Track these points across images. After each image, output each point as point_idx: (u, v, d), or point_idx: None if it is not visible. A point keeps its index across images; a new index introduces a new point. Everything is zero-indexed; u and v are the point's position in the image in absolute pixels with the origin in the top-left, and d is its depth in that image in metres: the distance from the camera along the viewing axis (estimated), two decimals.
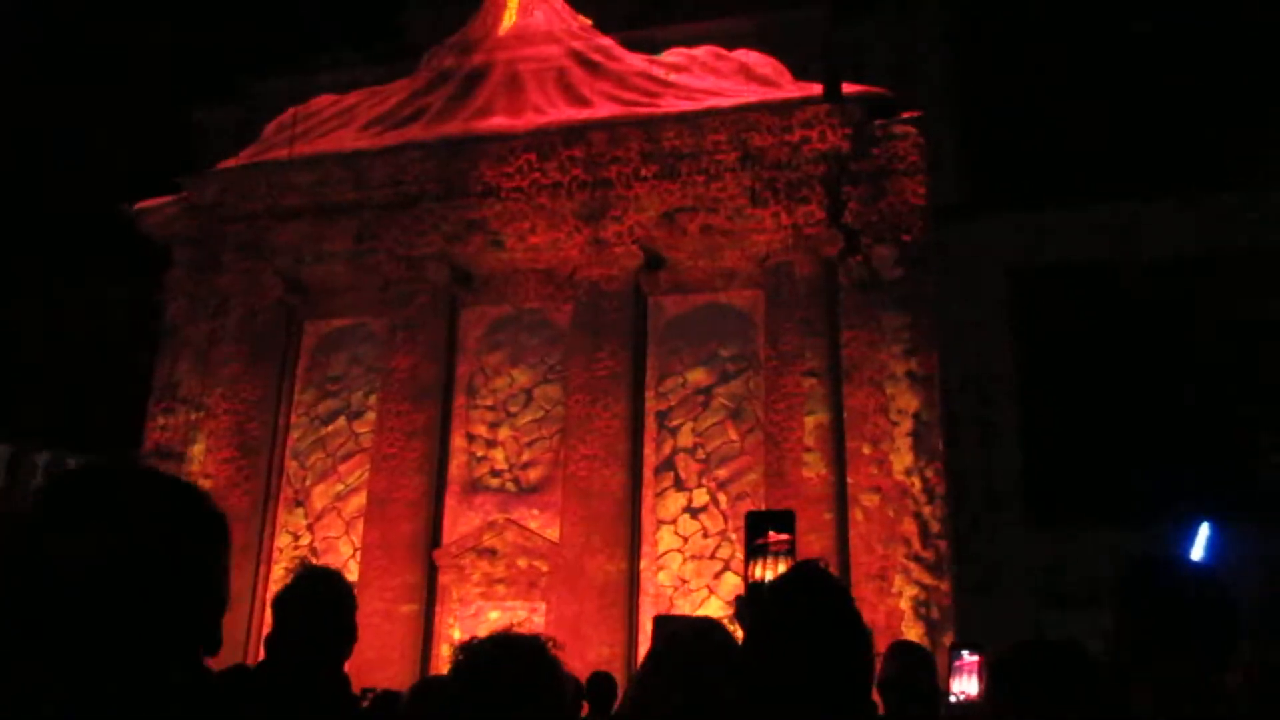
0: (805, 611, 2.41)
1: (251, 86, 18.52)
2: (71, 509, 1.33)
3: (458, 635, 14.57)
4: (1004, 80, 15.16)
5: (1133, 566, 2.63)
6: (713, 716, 2.38)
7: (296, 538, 15.76)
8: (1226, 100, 13.82)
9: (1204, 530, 11.34)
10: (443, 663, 14.34)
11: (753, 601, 2.93)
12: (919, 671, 4.49)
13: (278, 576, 15.47)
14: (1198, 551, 11.27)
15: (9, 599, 1.28)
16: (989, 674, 3.23)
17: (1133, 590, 2.58)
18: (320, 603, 3.34)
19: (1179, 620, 2.48)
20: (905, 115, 14.62)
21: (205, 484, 15.46)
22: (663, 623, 3.88)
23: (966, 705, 4.56)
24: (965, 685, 4.54)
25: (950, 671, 4.72)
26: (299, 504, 15.93)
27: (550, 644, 2.54)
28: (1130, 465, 13.18)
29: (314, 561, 15.39)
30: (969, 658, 4.66)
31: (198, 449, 16.09)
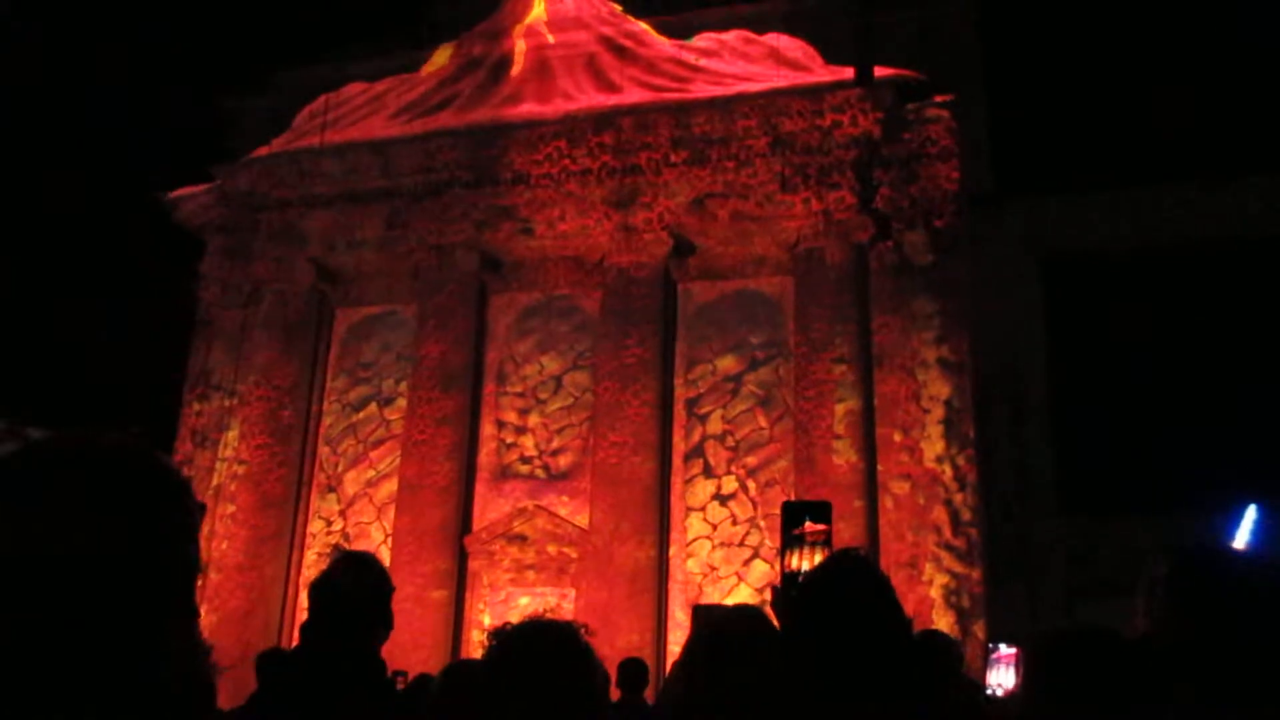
0: (847, 600, 2.39)
1: (283, 76, 18.62)
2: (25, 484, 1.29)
3: (488, 621, 14.66)
4: (1036, 63, 14.96)
5: (1181, 557, 2.54)
6: (757, 705, 2.36)
7: (329, 523, 15.90)
8: (1264, 82, 13.56)
9: (1250, 513, 11.17)
10: (474, 648, 14.43)
11: (791, 590, 2.91)
12: (943, 660, 4.45)
13: (311, 562, 15.63)
14: (1244, 535, 11.11)
15: None
16: (1025, 664, 3.18)
17: (1180, 583, 2.49)
18: (356, 588, 3.34)
19: (1227, 615, 2.41)
20: (937, 99, 14.46)
21: (239, 470, 15.66)
22: (701, 612, 3.87)
23: (1005, 699, 4.52)
24: (1002, 678, 4.52)
25: (986, 664, 4.69)
26: (331, 490, 16.07)
27: (582, 630, 2.53)
28: (1165, 450, 13.01)
29: (347, 548, 15.53)
30: (1006, 650, 4.62)
31: (232, 435, 16.25)
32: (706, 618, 3.58)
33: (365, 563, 3.51)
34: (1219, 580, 2.44)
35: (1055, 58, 14.79)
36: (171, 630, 1.32)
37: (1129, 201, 14.02)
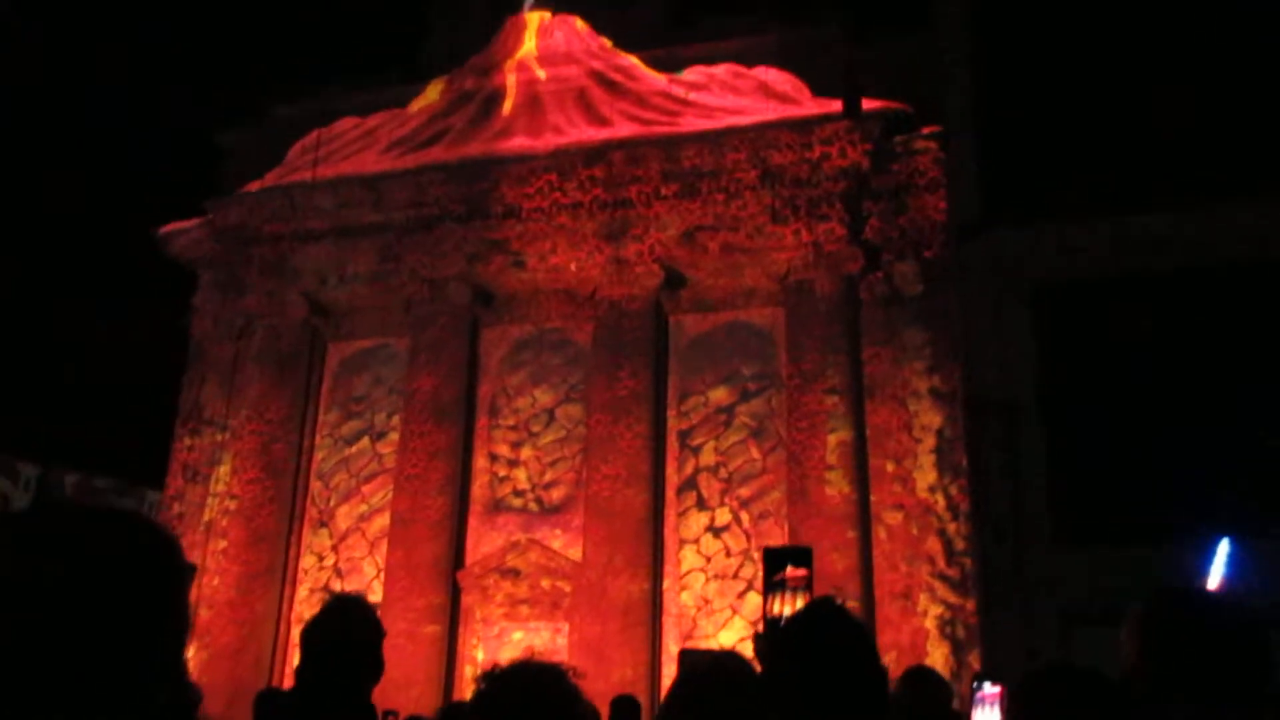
0: (825, 646, 2.44)
1: (274, 110, 18.73)
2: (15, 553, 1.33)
3: (481, 656, 14.58)
4: (1024, 94, 15.09)
5: (1154, 598, 2.57)
6: None
7: (321, 558, 15.83)
8: (1251, 111, 13.70)
9: (1224, 547, 11.18)
10: (467, 684, 14.34)
11: (770, 638, 2.96)
12: (932, 698, 4.44)
13: (302, 597, 15.55)
14: (1219, 569, 11.11)
15: None
16: (1010, 704, 3.20)
17: (1154, 624, 2.53)
18: (348, 635, 3.38)
19: (1201, 657, 2.44)
20: (925, 130, 14.59)
21: (231, 505, 15.62)
22: (687, 657, 3.90)
23: None
24: (986, 717, 4.51)
25: (972, 703, 4.69)
26: (323, 525, 16.01)
27: (571, 672, 2.56)
28: (1157, 481, 13.02)
29: (338, 584, 15.46)
30: (990, 689, 4.63)
31: (223, 470, 16.21)
32: (690, 663, 3.60)
33: (356, 608, 3.54)
34: (1189, 620, 2.48)
35: (1043, 87, 14.93)
36: (161, 688, 1.36)
37: (1117, 229, 14.10)
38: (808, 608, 2.79)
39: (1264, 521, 12.20)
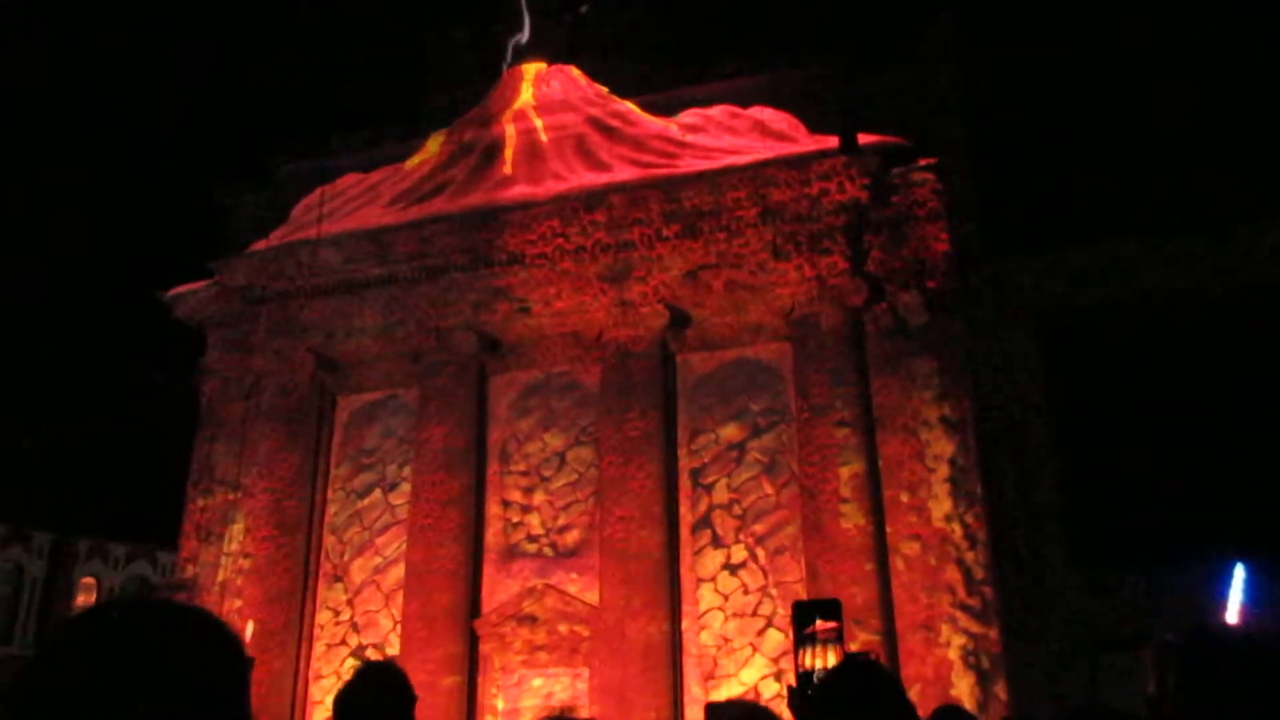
0: (861, 705, 2.50)
1: (277, 169, 18.97)
2: (103, 656, 1.36)
3: (501, 705, 14.45)
4: (1019, 123, 15.26)
5: (1180, 636, 2.56)
6: None
7: (337, 613, 15.76)
8: (1250, 137, 13.84)
9: (1239, 572, 11.11)
10: None
11: (807, 690, 3.01)
12: None
13: (319, 654, 15.46)
14: (1236, 595, 11.03)
15: None
16: None
17: (1179, 666, 2.51)
18: (381, 701, 3.40)
19: (1227, 700, 2.43)
20: (922, 162, 14.71)
21: (245, 564, 15.57)
22: (713, 710, 3.92)
23: None
24: None
25: None
26: (338, 579, 15.96)
27: None
28: (1171, 503, 12.97)
29: (355, 638, 15.38)
30: None
31: (236, 529, 16.19)
32: (718, 716, 3.63)
33: (389, 674, 3.57)
34: (1213, 663, 2.45)
35: (1037, 116, 15.11)
36: None
37: (1118, 254, 14.18)
38: (843, 664, 2.83)
39: (1273, 544, 12.13)
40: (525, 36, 17.88)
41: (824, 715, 2.52)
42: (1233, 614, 10.99)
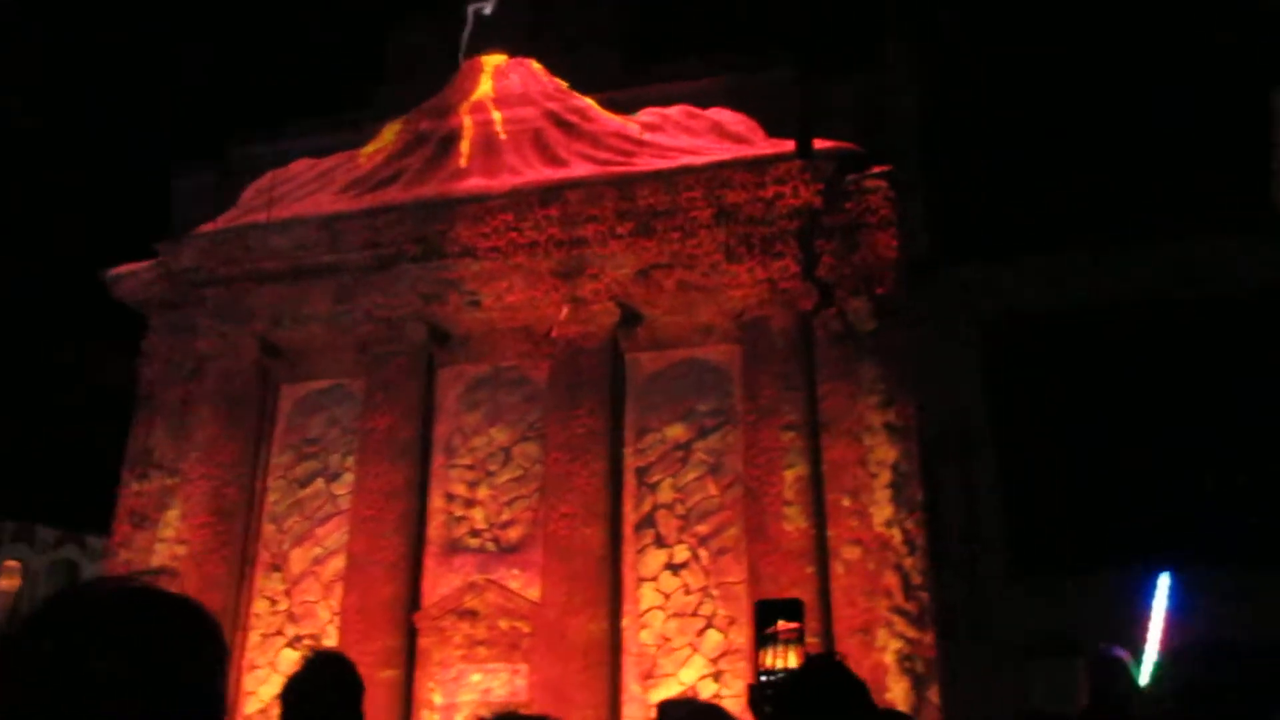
0: (823, 704, 2.51)
1: (228, 151, 18.63)
2: (78, 637, 1.32)
3: (439, 700, 14.35)
4: (972, 135, 15.48)
5: (1093, 664, 2.68)
6: None
7: (274, 603, 15.53)
8: (1191, 149, 14.17)
9: (1164, 581, 11.37)
10: None
11: (767, 690, 3.05)
12: None
13: (255, 643, 15.23)
14: (1161, 603, 11.28)
15: None
16: None
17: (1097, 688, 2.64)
18: (331, 693, 3.35)
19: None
20: (876, 170, 14.85)
21: (180, 551, 15.30)
22: (666, 709, 3.91)
23: None
24: None
25: None
26: (276, 569, 15.73)
27: None
28: (1109, 511, 13.24)
29: (292, 629, 15.18)
30: None
31: (172, 514, 15.90)
32: (670, 714, 3.63)
33: (337, 664, 3.52)
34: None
35: (990, 128, 15.34)
36: None
37: (1065, 265, 14.44)
38: (807, 663, 2.85)
39: (1207, 554, 12.44)
40: (468, 31, 17.67)
41: (788, 714, 2.53)
42: (1157, 623, 11.24)
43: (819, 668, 2.81)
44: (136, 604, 1.38)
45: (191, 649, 1.38)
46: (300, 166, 17.57)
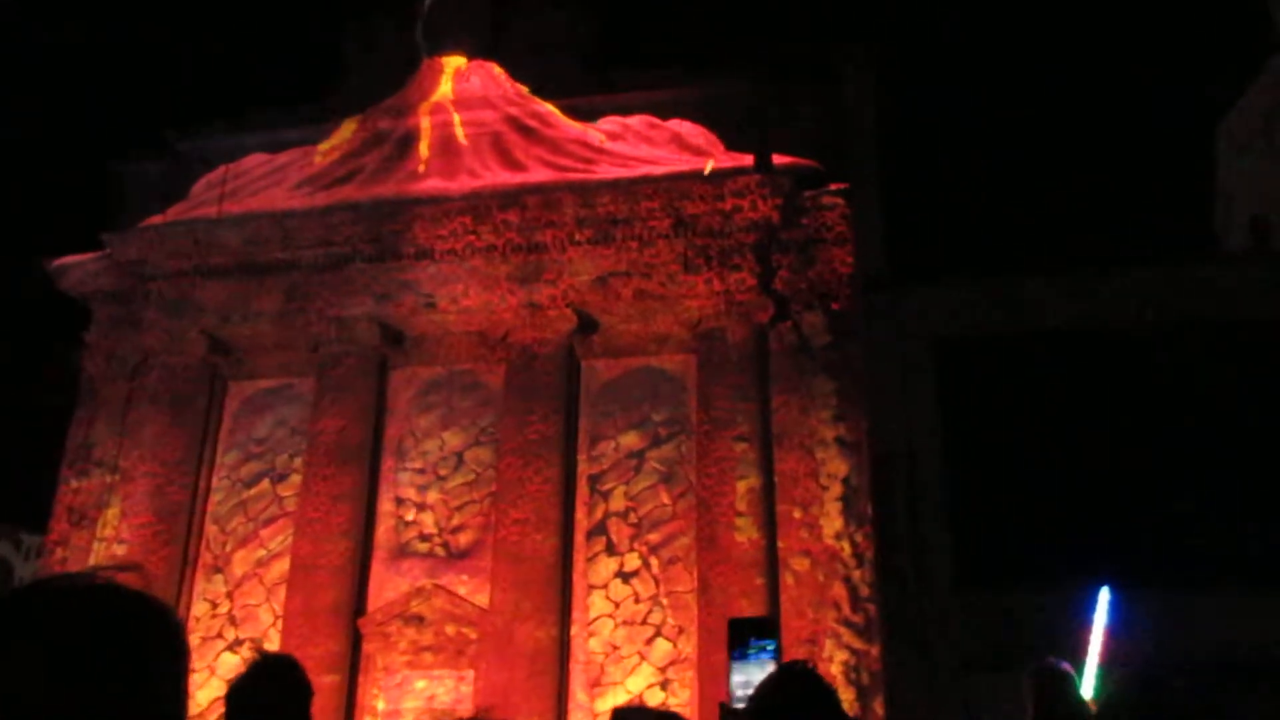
0: (796, 712, 2.53)
1: (179, 142, 18.29)
2: (43, 633, 1.29)
3: (382, 706, 14.18)
4: (928, 156, 15.75)
5: (1035, 673, 2.79)
6: None
7: (215, 605, 15.23)
8: (1144, 177, 14.58)
9: (1104, 596, 11.64)
10: None
11: (736, 704, 3.08)
12: None
13: (194, 646, 14.91)
14: (1100, 618, 11.54)
15: None
16: None
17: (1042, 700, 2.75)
18: (279, 696, 3.29)
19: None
20: (833, 186, 15.04)
21: (119, 550, 14.95)
22: (622, 716, 3.89)
23: None
24: None
25: None
26: (218, 570, 15.43)
27: (482, 712, 2.58)
28: (1053, 530, 13.52)
29: (233, 632, 14.91)
30: None
31: (112, 513, 15.54)
32: None
33: (285, 667, 3.46)
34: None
35: (946, 150, 15.63)
36: None
37: (1017, 289, 14.74)
38: (779, 673, 2.86)
39: (1147, 571, 12.76)
40: (420, 30, 17.50)
41: (762, 717, 2.55)
42: (1097, 638, 11.48)
43: (791, 675, 2.83)
44: (100, 600, 1.36)
45: (155, 646, 1.37)
46: (254, 161, 17.31)
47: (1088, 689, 9.62)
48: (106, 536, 15.42)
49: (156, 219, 16.56)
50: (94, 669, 1.28)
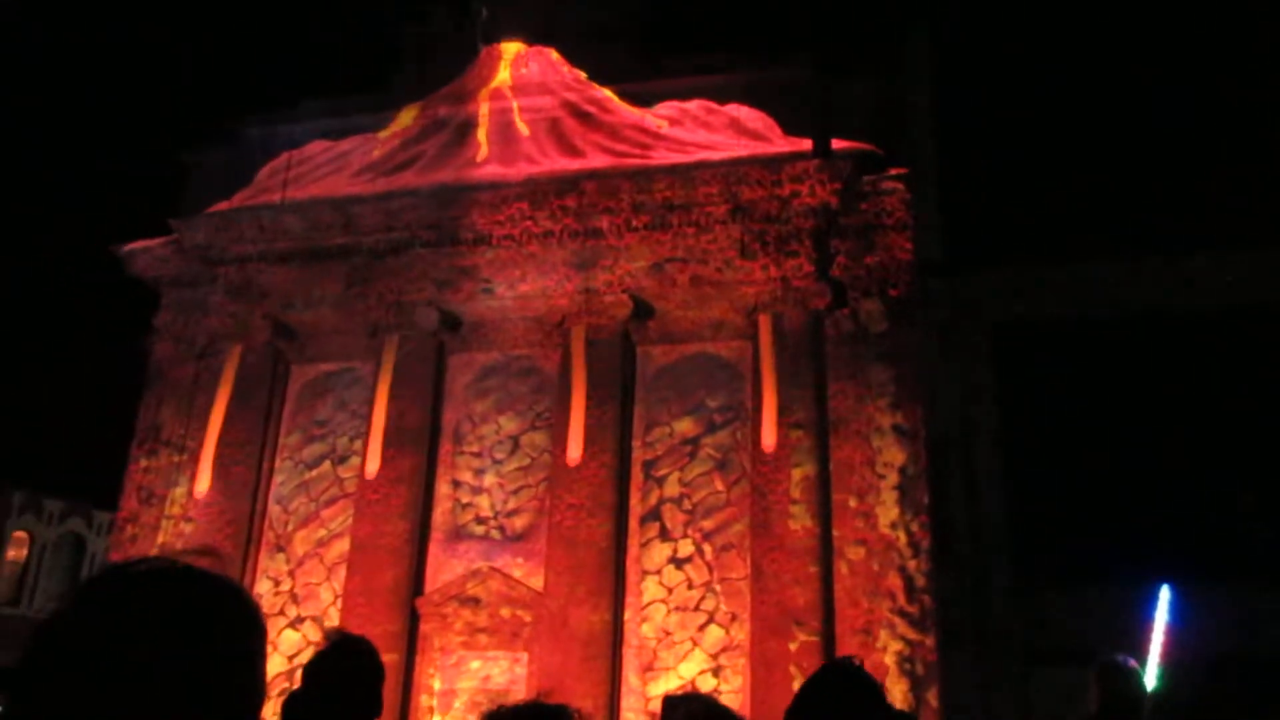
0: (842, 708, 2.52)
1: (244, 131, 18.62)
2: (124, 617, 1.33)
3: (438, 685, 14.40)
4: (989, 139, 15.45)
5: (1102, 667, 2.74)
6: None
7: (277, 583, 15.58)
8: (1207, 158, 14.14)
9: (1165, 594, 11.37)
10: (422, 714, 14.16)
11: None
12: None
13: None
14: (1162, 616, 11.29)
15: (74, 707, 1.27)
16: None
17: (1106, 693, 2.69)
18: (353, 675, 3.37)
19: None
20: (893, 171, 14.83)
21: (186, 529, 15.35)
22: (673, 704, 3.92)
23: None
24: None
25: None
26: (280, 549, 15.78)
27: (577, 715, 2.58)
28: (1113, 522, 13.24)
29: (294, 610, 15.23)
30: None
31: (179, 492, 15.95)
32: (675, 711, 3.66)
33: (359, 648, 3.54)
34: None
35: (1007, 133, 15.31)
36: None
37: (1077, 273, 14.42)
38: (824, 668, 2.85)
39: (1209, 567, 12.44)
40: (482, 19, 17.61)
41: (803, 716, 2.53)
42: (1158, 636, 11.24)
43: (833, 671, 2.81)
44: (181, 584, 1.39)
45: (236, 631, 1.40)
46: (316, 148, 17.57)
47: (1150, 685, 9.44)
48: (174, 514, 15.83)
49: (223, 205, 16.92)
50: (183, 649, 1.32)
